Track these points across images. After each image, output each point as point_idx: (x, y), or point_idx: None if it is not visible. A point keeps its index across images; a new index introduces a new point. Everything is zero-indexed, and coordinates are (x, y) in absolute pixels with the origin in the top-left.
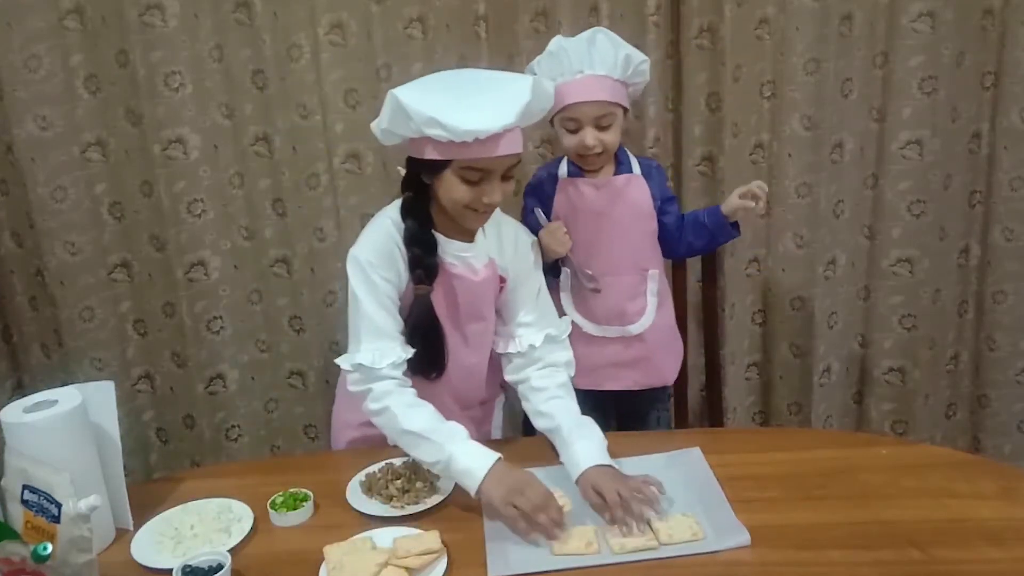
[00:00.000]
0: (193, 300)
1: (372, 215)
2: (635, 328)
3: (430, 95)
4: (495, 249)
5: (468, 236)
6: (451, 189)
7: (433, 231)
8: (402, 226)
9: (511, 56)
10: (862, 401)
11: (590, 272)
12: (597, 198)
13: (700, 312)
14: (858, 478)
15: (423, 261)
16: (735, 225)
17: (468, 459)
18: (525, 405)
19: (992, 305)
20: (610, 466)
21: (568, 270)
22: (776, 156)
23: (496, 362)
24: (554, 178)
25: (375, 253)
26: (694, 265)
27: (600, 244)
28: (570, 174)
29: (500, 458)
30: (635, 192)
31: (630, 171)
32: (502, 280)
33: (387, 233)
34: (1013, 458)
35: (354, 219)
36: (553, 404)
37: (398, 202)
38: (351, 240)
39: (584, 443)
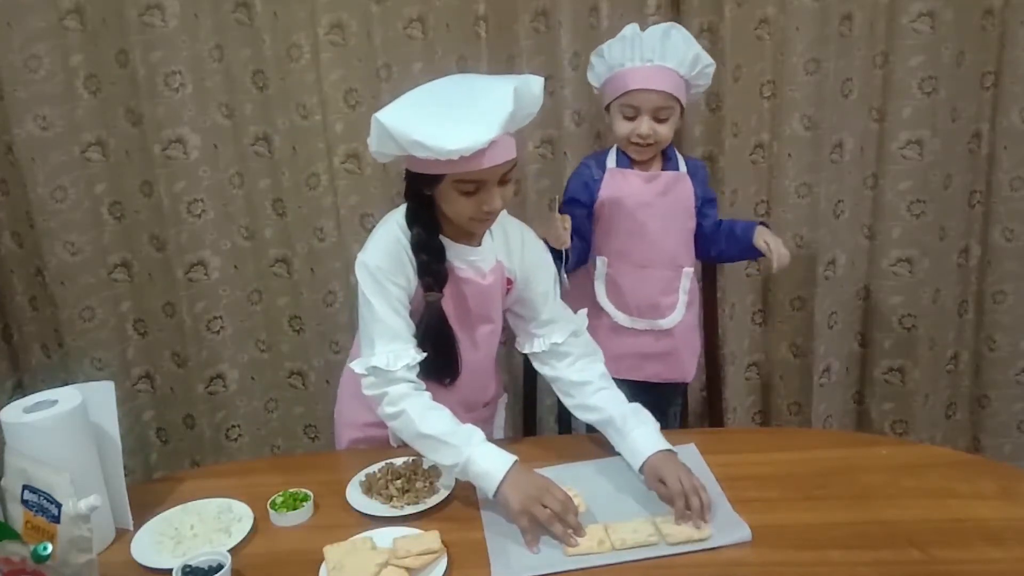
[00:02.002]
0: (193, 300)
1: (372, 215)
2: (666, 323)
3: (412, 115)
4: (502, 251)
5: (475, 240)
6: (450, 201)
7: (440, 236)
8: (409, 232)
9: (511, 56)
10: (862, 401)
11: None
12: (645, 191)
13: (700, 312)
14: (858, 478)
15: (432, 267)
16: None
17: (486, 462)
18: (567, 401)
19: (992, 305)
20: (670, 450)
21: (605, 259)
22: (776, 156)
23: (499, 363)
24: (602, 166)
25: (385, 259)
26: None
27: (640, 236)
28: (619, 164)
29: (516, 461)
30: (681, 190)
31: (677, 169)
32: (509, 282)
33: (395, 238)
34: (1013, 458)
35: (354, 219)
36: (601, 396)
37: (403, 207)
38: (351, 240)
39: (642, 430)
